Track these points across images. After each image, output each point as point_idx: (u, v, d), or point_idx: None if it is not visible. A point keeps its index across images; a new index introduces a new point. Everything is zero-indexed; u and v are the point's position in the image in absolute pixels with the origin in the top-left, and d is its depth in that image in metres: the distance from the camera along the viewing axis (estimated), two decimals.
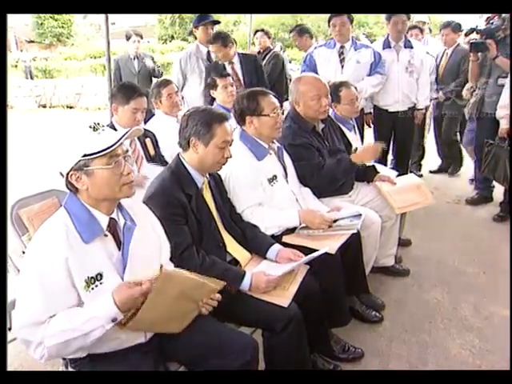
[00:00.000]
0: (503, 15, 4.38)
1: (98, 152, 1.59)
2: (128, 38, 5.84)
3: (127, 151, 1.69)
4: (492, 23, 4.51)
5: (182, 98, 4.83)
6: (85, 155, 1.60)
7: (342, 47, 4.55)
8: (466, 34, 4.97)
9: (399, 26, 4.56)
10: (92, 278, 1.62)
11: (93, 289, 1.62)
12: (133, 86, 3.19)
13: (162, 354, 1.78)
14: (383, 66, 4.56)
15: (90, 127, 1.65)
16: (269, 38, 6.26)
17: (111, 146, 1.60)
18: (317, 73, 4.33)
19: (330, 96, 3.49)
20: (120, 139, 1.61)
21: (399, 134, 4.91)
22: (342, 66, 4.53)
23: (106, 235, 1.69)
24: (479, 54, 4.55)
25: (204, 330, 1.85)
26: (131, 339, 1.72)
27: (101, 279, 1.64)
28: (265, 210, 2.62)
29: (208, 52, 4.81)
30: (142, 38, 5.94)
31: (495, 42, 4.36)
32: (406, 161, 5.15)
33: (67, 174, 1.63)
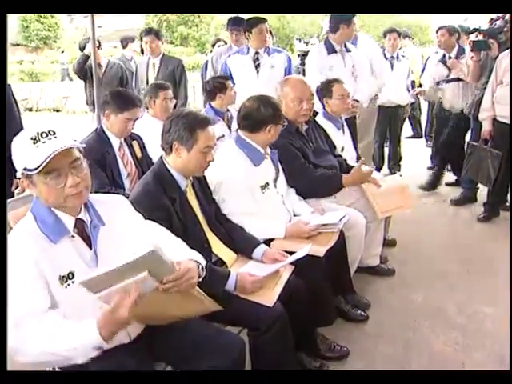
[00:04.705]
0: (507, 17, 4.43)
1: (32, 169, 1.56)
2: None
3: (76, 160, 1.64)
4: (495, 24, 4.58)
5: None
6: (25, 168, 1.59)
7: (256, 53, 4.51)
8: (469, 33, 5.05)
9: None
10: (64, 276, 1.63)
11: (66, 287, 1.64)
12: (129, 96, 3.18)
13: (148, 353, 1.79)
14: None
15: (31, 139, 1.58)
16: None
17: (39, 166, 1.54)
18: (232, 80, 4.37)
19: (318, 94, 3.57)
20: (46, 158, 1.53)
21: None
22: (258, 72, 4.51)
23: (73, 236, 1.70)
24: (481, 54, 4.59)
25: (191, 329, 1.87)
26: (114, 340, 1.67)
27: (72, 278, 1.65)
28: (252, 221, 2.63)
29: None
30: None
31: (497, 43, 4.40)
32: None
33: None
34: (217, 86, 3.96)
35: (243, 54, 4.55)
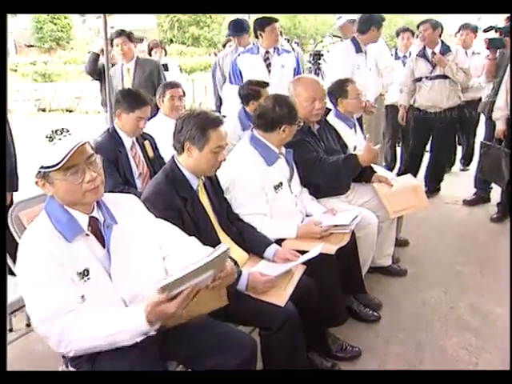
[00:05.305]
0: None
1: (51, 166, 1.59)
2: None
3: (90, 156, 1.67)
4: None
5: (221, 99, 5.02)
6: (42, 167, 1.61)
7: (267, 52, 4.48)
8: (485, 31, 4.98)
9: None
10: (80, 273, 1.66)
11: (85, 281, 1.66)
12: (139, 95, 3.20)
13: (160, 352, 1.80)
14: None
15: (47, 137, 1.62)
16: None
17: (60, 162, 1.57)
18: (242, 79, 4.39)
19: (331, 95, 3.56)
20: (68, 154, 1.57)
21: None
22: (269, 71, 4.46)
23: (87, 235, 1.72)
24: (497, 52, 4.52)
25: (203, 328, 1.87)
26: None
27: (88, 275, 1.67)
28: (264, 220, 2.63)
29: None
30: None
31: None
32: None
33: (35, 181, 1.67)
34: (250, 93, 3.88)
35: (253, 54, 4.50)
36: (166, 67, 5.86)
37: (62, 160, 1.57)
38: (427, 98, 5.01)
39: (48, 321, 1.59)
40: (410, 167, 5.21)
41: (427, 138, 5.25)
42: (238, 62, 4.54)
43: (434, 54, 4.85)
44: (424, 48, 4.98)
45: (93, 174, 1.66)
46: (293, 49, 6.16)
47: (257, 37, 4.48)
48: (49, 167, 1.59)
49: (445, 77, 4.87)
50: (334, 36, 7.36)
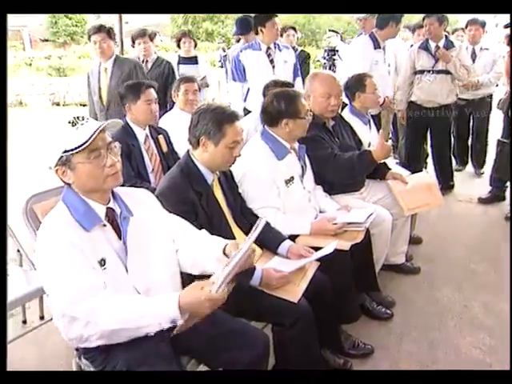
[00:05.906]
0: None
1: (75, 148, 1.62)
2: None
3: (111, 143, 1.71)
4: None
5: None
6: (65, 151, 1.63)
7: (268, 48, 4.45)
8: (505, 27, 4.90)
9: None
10: (99, 261, 1.67)
11: (103, 271, 1.67)
12: (137, 82, 3.29)
13: (173, 346, 1.80)
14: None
15: (69, 122, 1.67)
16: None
17: (85, 142, 1.61)
18: (245, 76, 4.42)
19: (348, 89, 3.56)
20: (93, 134, 1.62)
21: None
22: (273, 67, 4.45)
23: (104, 225, 1.73)
24: None
25: (216, 323, 1.87)
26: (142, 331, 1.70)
27: (104, 264, 1.69)
28: (277, 216, 2.63)
29: None
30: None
31: None
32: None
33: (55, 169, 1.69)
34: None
35: (256, 50, 4.46)
36: (195, 60, 5.82)
37: (88, 140, 1.61)
38: (427, 92, 4.87)
39: (76, 302, 1.59)
40: (413, 164, 5.09)
41: (424, 134, 5.20)
42: (240, 58, 4.49)
43: (437, 48, 4.74)
44: (427, 40, 4.86)
45: (114, 159, 1.70)
46: None
47: (257, 33, 4.46)
48: (73, 150, 1.62)
49: (447, 72, 4.78)
50: (330, 31, 7.35)
